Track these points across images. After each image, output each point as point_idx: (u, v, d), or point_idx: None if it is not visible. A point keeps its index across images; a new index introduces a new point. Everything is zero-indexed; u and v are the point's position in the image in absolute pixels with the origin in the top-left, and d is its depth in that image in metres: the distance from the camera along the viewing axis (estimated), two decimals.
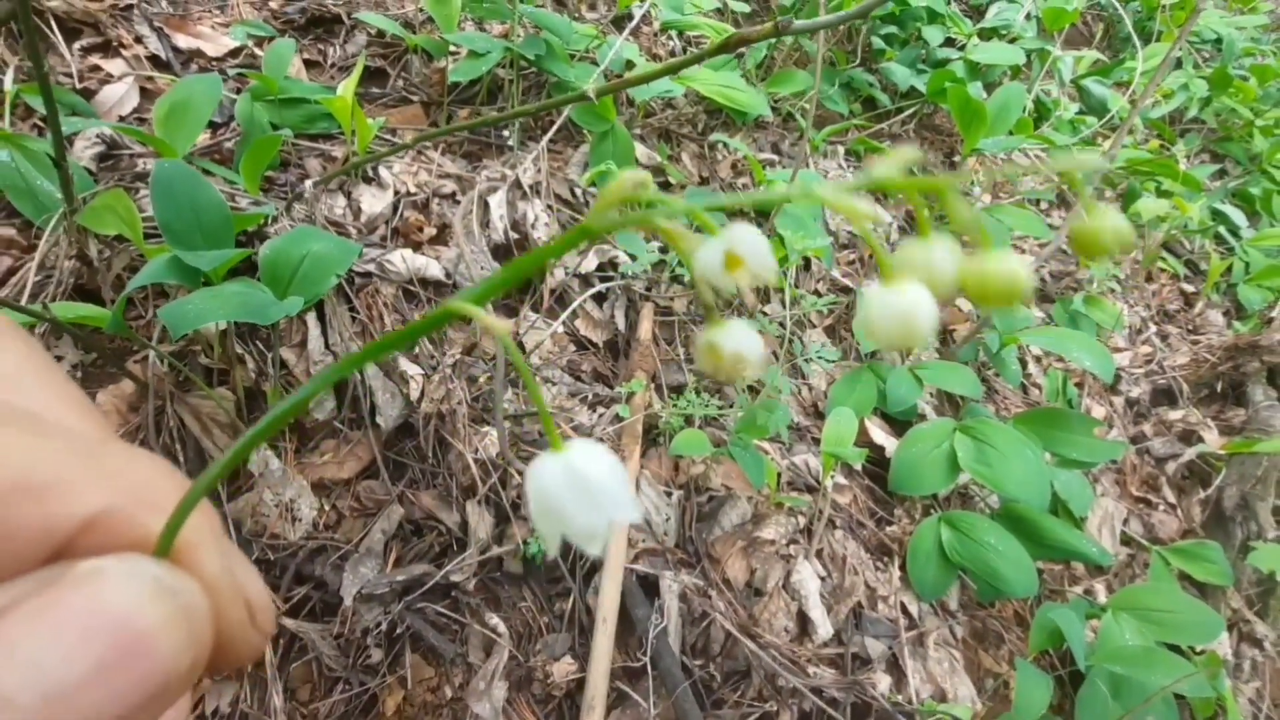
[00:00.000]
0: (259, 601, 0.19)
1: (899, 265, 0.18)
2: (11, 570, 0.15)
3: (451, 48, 1.32)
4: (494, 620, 0.94)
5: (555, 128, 1.34)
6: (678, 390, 1.18)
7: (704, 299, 0.18)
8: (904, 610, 1.14)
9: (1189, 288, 2.08)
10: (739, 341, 0.18)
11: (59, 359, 0.92)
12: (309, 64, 1.39)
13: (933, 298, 0.17)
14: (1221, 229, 2.23)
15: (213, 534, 0.18)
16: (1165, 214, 1.74)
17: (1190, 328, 1.95)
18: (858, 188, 0.17)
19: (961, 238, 0.18)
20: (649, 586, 1.01)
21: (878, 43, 1.82)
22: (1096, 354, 1.28)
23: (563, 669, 0.94)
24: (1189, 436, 1.65)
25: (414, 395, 0.98)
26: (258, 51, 1.32)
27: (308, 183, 0.98)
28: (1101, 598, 1.32)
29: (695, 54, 0.65)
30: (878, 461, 1.29)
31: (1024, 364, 1.61)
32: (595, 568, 0.99)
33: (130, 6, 1.28)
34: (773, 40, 1.55)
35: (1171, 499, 1.57)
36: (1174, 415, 1.68)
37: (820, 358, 1.10)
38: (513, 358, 0.18)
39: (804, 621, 1.05)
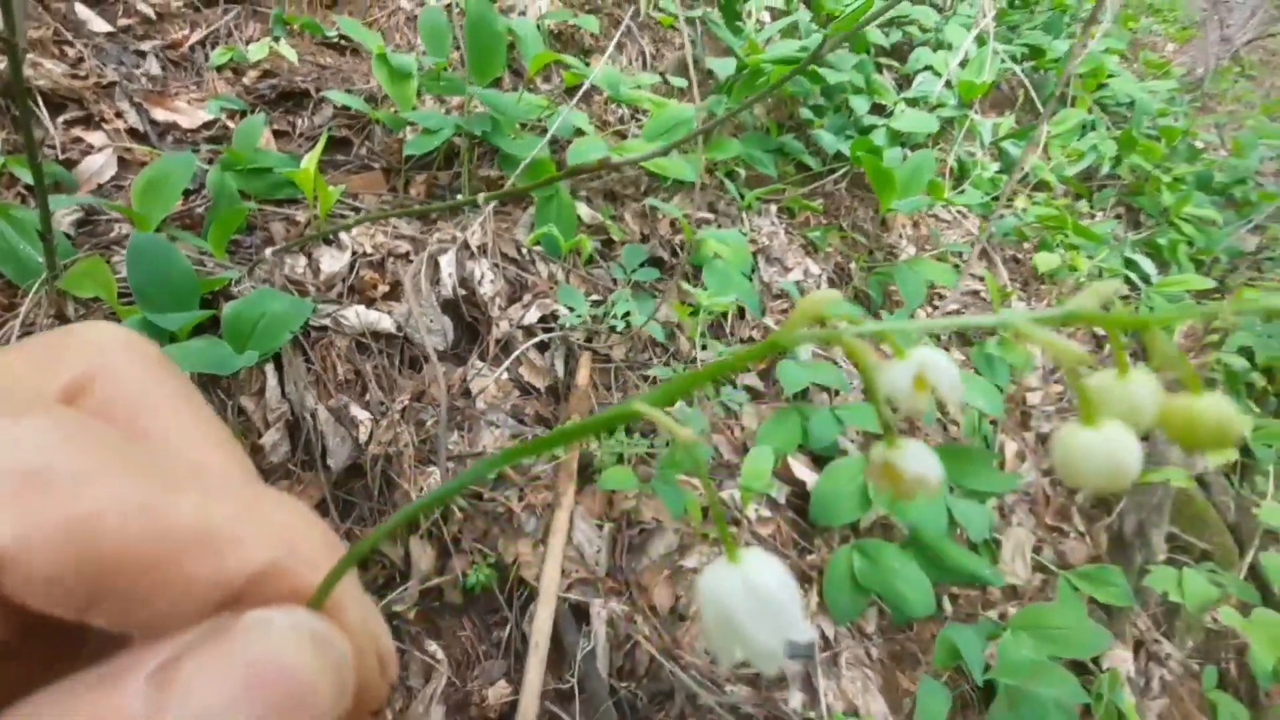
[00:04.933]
0: (387, 653, 0.21)
1: (1098, 404, 0.17)
2: (185, 620, 0.16)
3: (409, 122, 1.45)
4: (433, 648, 1.02)
5: (503, 191, 1.47)
6: (611, 431, 1.29)
7: (883, 417, 0.17)
8: (822, 634, 1.24)
9: (1099, 331, 2.25)
10: (920, 464, 0.17)
11: None
12: (278, 134, 1.52)
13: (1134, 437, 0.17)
14: (1134, 276, 2.42)
15: (355, 587, 0.19)
16: (1062, 264, 1.91)
17: (1099, 369, 2.11)
18: (1055, 320, 0.17)
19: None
20: (580, 614, 1.10)
21: (806, 113, 2.00)
22: (988, 394, 1.42)
23: (497, 692, 1.02)
24: None
25: (363, 438, 1.08)
26: (230, 124, 1.44)
27: (269, 250, 1.09)
28: None
29: (635, 150, 0.77)
30: (802, 495, 1.40)
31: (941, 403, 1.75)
32: (532, 598, 1.08)
33: (113, 84, 1.40)
34: (705, 115, 1.71)
35: (1081, 527, 1.70)
36: None
37: (736, 401, 1.21)
38: (697, 470, 0.17)
39: None
